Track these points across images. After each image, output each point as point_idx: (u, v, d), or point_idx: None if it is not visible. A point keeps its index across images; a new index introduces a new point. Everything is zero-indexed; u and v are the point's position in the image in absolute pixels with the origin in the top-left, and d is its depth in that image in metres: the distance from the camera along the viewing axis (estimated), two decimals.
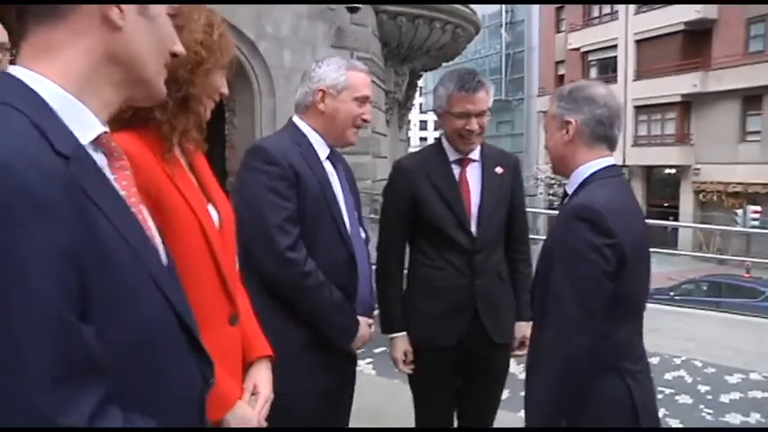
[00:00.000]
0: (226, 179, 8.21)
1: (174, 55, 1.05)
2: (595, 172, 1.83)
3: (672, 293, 13.94)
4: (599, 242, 1.67)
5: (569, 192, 1.89)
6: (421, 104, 45.90)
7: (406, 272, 2.55)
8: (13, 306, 0.74)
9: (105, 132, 0.95)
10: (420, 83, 14.56)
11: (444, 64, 13.66)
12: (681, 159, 26.22)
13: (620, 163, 28.17)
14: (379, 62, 10.01)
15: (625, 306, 1.77)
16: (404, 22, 10.03)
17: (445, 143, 2.46)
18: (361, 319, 2.17)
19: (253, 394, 1.57)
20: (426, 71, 13.60)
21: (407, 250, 2.55)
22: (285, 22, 8.26)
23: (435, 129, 62.52)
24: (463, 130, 2.35)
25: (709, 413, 4.07)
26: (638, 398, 1.77)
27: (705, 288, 14.36)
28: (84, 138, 0.91)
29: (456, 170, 2.44)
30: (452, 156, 2.45)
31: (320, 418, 2.11)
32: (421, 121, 65.06)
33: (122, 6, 0.91)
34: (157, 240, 1.06)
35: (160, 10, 1.00)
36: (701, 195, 25.91)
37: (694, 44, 25.42)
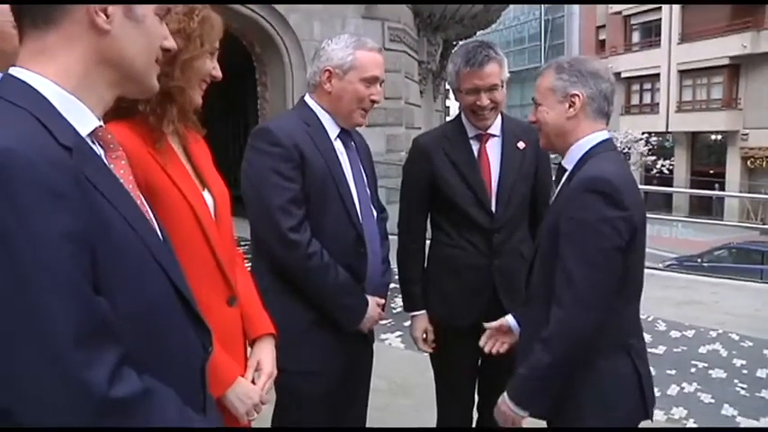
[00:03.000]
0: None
1: (166, 50, 1.09)
2: (595, 146, 1.80)
3: (700, 260, 13.61)
4: (613, 215, 1.63)
5: (568, 167, 1.83)
6: None
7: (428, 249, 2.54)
8: (40, 282, 0.83)
9: (101, 126, 1.02)
10: (454, 51, 14.34)
11: (481, 32, 13.45)
12: (728, 125, 25.34)
13: (663, 129, 27.52)
14: (412, 32, 9.90)
15: (634, 283, 1.74)
16: None
17: (464, 119, 2.41)
18: (370, 298, 2.16)
19: (256, 371, 1.61)
20: (461, 40, 13.40)
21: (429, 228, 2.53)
22: None
23: None
24: (474, 106, 2.29)
25: (743, 388, 3.99)
26: (644, 374, 1.77)
27: (735, 255, 13.92)
28: (83, 131, 0.98)
29: (475, 146, 2.39)
30: (471, 131, 2.39)
31: (332, 402, 2.12)
32: None
33: (108, 11, 0.97)
34: (154, 223, 1.12)
35: (147, 10, 1.04)
36: (749, 162, 25.08)
37: (745, 2, 24.31)
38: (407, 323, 4.53)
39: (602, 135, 1.82)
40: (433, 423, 2.65)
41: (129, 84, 1.06)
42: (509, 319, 2.14)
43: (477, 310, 2.34)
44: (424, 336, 2.45)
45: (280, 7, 7.93)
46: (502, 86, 2.30)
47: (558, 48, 39.39)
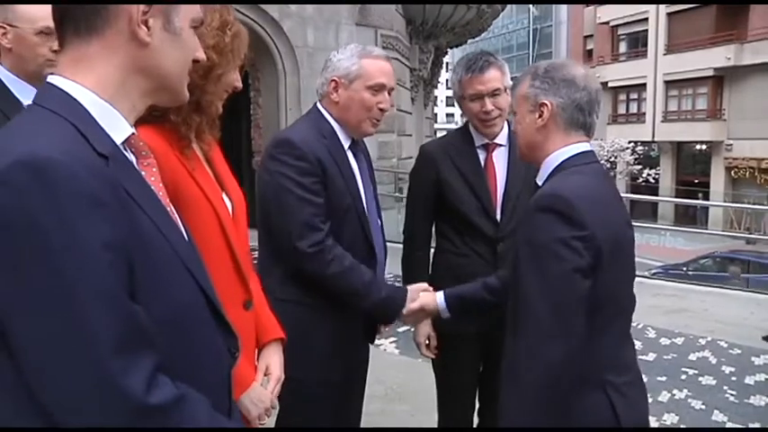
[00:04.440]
0: (251, 159, 8.31)
1: (195, 61, 1.12)
2: (568, 158, 1.63)
3: (685, 269, 13.78)
4: (568, 234, 1.46)
5: (539, 182, 1.68)
6: (447, 80, 45.50)
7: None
8: (83, 291, 0.85)
9: (133, 133, 1.04)
10: (447, 59, 14.44)
11: (471, 40, 13.56)
12: (712, 135, 25.67)
13: (650, 139, 27.81)
14: (404, 39, 9.96)
15: (607, 310, 1.55)
16: None
17: (471, 128, 2.45)
18: (410, 288, 2.17)
19: (265, 375, 1.65)
20: (452, 48, 13.50)
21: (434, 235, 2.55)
22: None
23: None
24: (480, 113, 2.32)
25: (732, 394, 4.06)
26: (624, 414, 1.55)
27: (719, 263, 14.10)
28: (117, 139, 1.00)
29: (482, 155, 2.42)
30: (478, 140, 2.42)
31: (332, 406, 2.14)
32: (448, 98, 64.42)
33: (149, 23, 1.00)
34: (182, 229, 1.15)
35: (184, 23, 1.06)
36: (732, 172, 25.40)
37: (729, 16, 24.69)
38: (402, 329, 4.55)
39: (579, 147, 1.65)
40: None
41: (162, 93, 1.08)
42: (440, 302, 2.15)
43: (481, 317, 2.35)
44: (427, 342, 2.46)
45: (274, 13, 7.96)
46: (505, 92, 2.33)
47: (546, 57, 39.64)
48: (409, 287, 2.18)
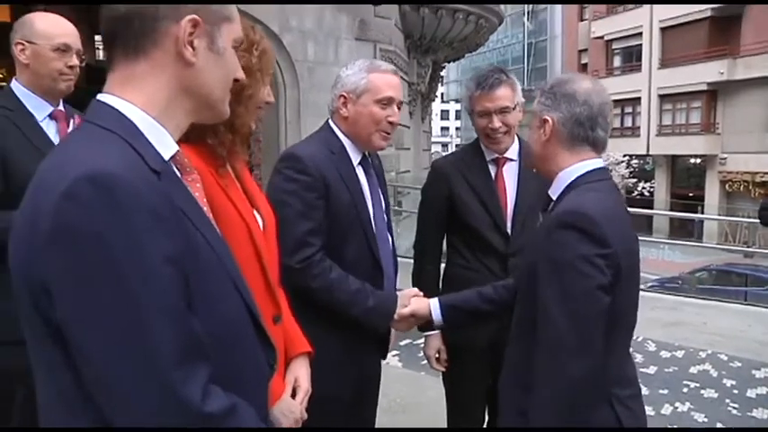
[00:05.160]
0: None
1: (235, 80, 1.15)
2: (581, 175, 1.66)
3: (681, 282, 13.85)
4: (592, 252, 1.48)
5: (553, 197, 1.70)
6: (442, 94, 45.68)
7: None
8: (144, 302, 0.88)
9: (178, 150, 1.08)
10: (442, 73, 14.53)
11: (467, 55, 13.65)
12: (706, 149, 25.87)
13: (644, 152, 27.98)
14: (403, 54, 10.02)
15: (620, 325, 1.58)
16: (426, 14, 10.04)
17: (481, 142, 2.48)
18: (400, 294, 2.13)
19: (293, 387, 1.67)
20: (449, 62, 13.57)
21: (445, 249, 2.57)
22: (309, 14, 8.30)
23: (456, 118, 62.24)
24: (487, 129, 2.36)
25: (735, 407, 4.08)
26: (629, 426, 1.60)
27: (715, 276, 14.16)
28: (165, 155, 1.03)
29: (492, 170, 2.45)
30: (489, 155, 2.45)
31: (344, 425, 2.13)
32: (442, 111, 64.71)
33: (195, 44, 1.03)
34: (225, 242, 1.16)
35: (227, 44, 1.10)
36: (726, 185, 25.55)
37: (722, 31, 24.96)
38: (404, 342, 4.56)
39: (591, 164, 1.67)
40: None
41: (205, 111, 1.11)
42: (434, 310, 2.11)
43: (491, 331, 2.36)
44: (437, 355, 2.48)
45: (274, 27, 8.00)
46: (514, 109, 2.36)
47: (541, 70, 39.93)
48: (399, 293, 2.17)
